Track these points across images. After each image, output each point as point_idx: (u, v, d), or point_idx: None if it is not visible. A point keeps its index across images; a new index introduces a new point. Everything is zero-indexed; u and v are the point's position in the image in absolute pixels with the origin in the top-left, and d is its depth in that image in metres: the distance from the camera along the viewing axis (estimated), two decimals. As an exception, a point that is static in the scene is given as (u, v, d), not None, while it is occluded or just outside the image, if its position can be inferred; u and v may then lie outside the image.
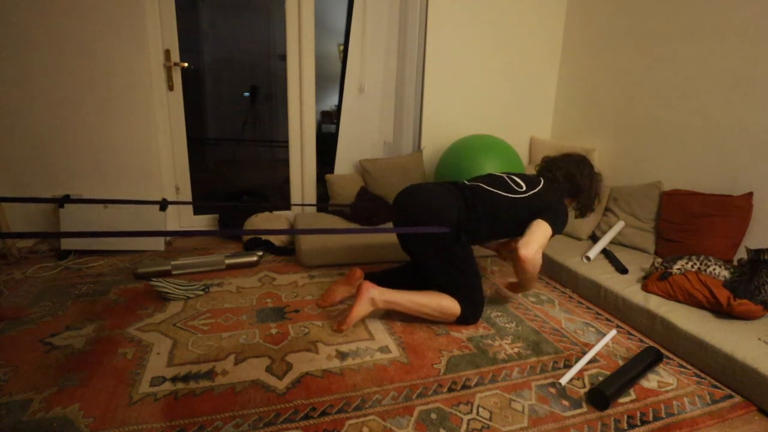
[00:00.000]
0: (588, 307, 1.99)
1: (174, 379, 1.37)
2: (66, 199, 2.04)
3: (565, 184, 1.86)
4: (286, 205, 2.87)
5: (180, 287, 1.93)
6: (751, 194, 2.01)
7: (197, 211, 2.93)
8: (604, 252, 2.26)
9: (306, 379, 1.40)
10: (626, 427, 1.25)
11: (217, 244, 2.68)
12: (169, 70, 2.63)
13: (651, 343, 1.68)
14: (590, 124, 2.96)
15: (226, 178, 3.63)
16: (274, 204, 3.09)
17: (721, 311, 1.63)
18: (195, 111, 3.02)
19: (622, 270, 2.04)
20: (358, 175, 3.02)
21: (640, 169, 2.61)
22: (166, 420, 1.20)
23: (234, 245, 2.67)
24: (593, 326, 1.81)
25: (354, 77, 2.93)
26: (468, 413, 1.28)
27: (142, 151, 2.57)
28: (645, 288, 1.85)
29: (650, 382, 1.45)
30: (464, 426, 1.23)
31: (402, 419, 1.24)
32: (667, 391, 1.41)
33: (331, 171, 3.06)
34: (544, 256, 2.33)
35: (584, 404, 1.33)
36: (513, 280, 2.17)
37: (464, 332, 1.72)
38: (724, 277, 1.73)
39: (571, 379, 1.45)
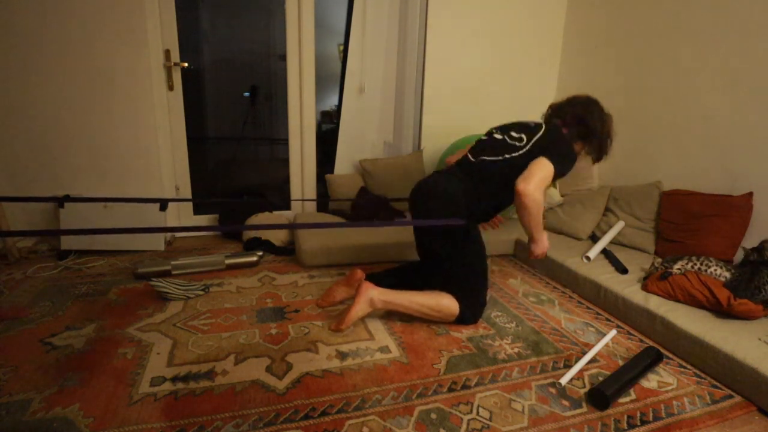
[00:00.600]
0: (588, 307, 1.99)
1: (174, 379, 1.37)
2: (66, 198, 2.04)
3: (574, 128, 1.77)
4: (286, 202, 2.86)
5: (180, 287, 1.93)
6: (751, 194, 2.01)
7: (197, 211, 2.93)
8: (604, 252, 2.26)
9: (306, 379, 1.40)
10: (626, 427, 1.25)
11: (217, 244, 2.68)
12: (169, 70, 2.63)
13: (651, 343, 1.68)
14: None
15: (226, 178, 3.63)
16: (274, 202, 3.08)
17: (721, 311, 1.63)
18: (195, 111, 3.02)
19: (622, 270, 2.04)
20: (358, 175, 3.02)
21: (640, 169, 2.61)
22: (166, 420, 1.19)
23: (234, 245, 2.67)
24: (593, 326, 1.81)
25: (354, 77, 2.93)
26: (468, 413, 1.27)
27: (142, 150, 2.57)
28: (645, 288, 1.84)
29: (650, 382, 1.45)
30: (464, 426, 1.23)
31: (402, 419, 1.24)
32: (667, 391, 1.41)
33: (331, 171, 3.06)
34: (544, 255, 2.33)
35: (584, 404, 1.33)
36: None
37: (464, 332, 1.72)
38: (725, 278, 1.73)
39: (571, 379, 1.45)
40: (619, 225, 2.42)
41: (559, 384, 1.41)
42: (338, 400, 1.30)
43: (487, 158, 1.74)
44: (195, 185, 2.89)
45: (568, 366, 1.52)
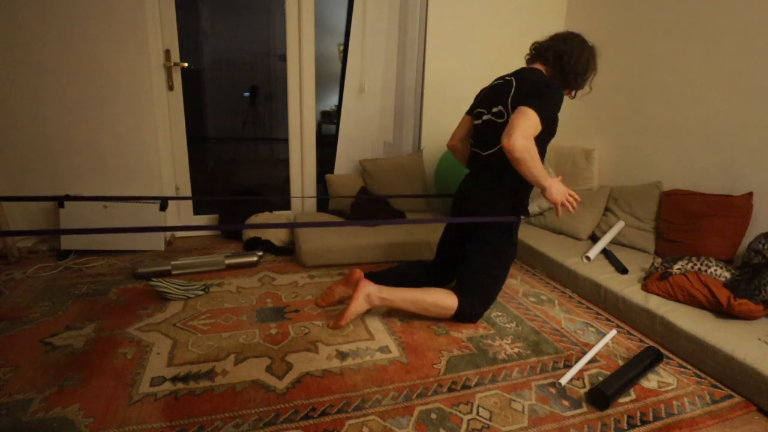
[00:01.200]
0: (588, 307, 1.99)
1: (174, 379, 1.37)
2: (66, 198, 2.03)
3: (555, 65, 1.72)
4: (285, 201, 2.86)
5: (180, 287, 1.93)
6: (751, 194, 2.01)
7: (197, 211, 2.93)
8: (604, 252, 2.26)
9: (306, 379, 1.40)
10: (626, 427, 1.25)
11: (217, 244, 2.68)
12: (169, 70, 2.63)
13: (651, 343, 1.68)
14: (590, 124, 2.95)
15: (226, 178, 3.64)
16: (274, 201, 3.08)
17: (721, 311, 1.63)
18: (195, 111, 3.02)
19: (622, 270, 2.04)
20: (358, 175, 3.02)
21: (640, 169, 2.61)
22: (166, 420, 1.19)
23: (234, 245, 2.67)
24: (593, 326, 1.81)
25: (354, 77, 2.93)
26: (468, 413, 1.27)
27: (142, 150, 2.57)
28: (645, 288, 1.84)
29: (650, 382, 1.45)
30: (464, 426, 1.23)
31: (402, 419, 1.24)
32: (667, 391, 1.41)
33: (331, 171, 3.06)
34: (544, 256, 2.33)
35: (584, 404, 1.33)
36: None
37: (464, 332, 1.72)
38: (725, 278, 1.73)
39: (571, 379, 1.45)
40: (619, 225, 2.42)
41: (559, 384, 1.41)
42: (338, 400, 1.30)
43: (491, 151, 1.75)
44: (195, 185, 2.89)
45: (568, 366, 1.52)
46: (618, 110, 2.76)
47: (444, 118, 3.09)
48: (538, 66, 1.77)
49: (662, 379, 1.47)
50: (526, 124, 1.51)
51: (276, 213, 2.93)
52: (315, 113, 2.99)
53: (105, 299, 1.89)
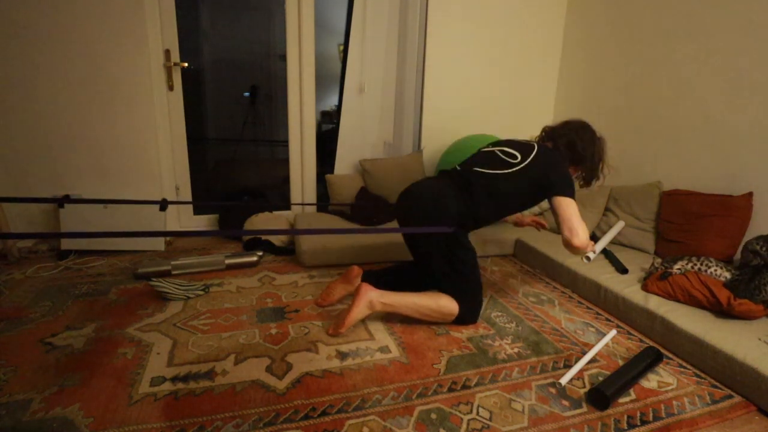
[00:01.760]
0: (588, 307, 1.99)
1: (174, 379, 1.37)
2: (66, 199, 2.04)
3: (567, 153, 1.80)
4: (286, 204, 2.86)
5: (180, 287, 1.93)
6: (751, 194, 2.01)
7: (197, 212, 2.94)
8: (604, 252, 2.26)
9: (306, 379, 1.40)
10: (626, 427, 1.25)
11: (217, 244, 2.68)
12: (169, 70, 2.63)
13: (651, 343, 1.68)
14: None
15: (226, 178, 3.63)
16: (274, 204, 3.08)
17: (721, 311, 1.63)
18: (195, 111, 3.02)
19: (622, 270, 2.04)
20: (358, 175, 3.02)
21: (640, 169, 2.61)
22: (166, 420, 1.20)
23: (234, 245, 2.67)
24: (593, 326, 1.81)
25: (354, 77, 2.93)
26: (468, 413, 1.27)
27: (142, 151, 2.57)
28: (645, 288, 1.84)
29: (650, 382, 1.45)
30: (464, 426, 1.23)
31: (402, 419, 1.24)
32: (667, 391, 1.41)
33: (331, 171, 3.06)
34: (544, 256, 2.33)
35: (584, 404, 1.33)
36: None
37: (464, 332, 1.72)
38: (725, 278, 1.73)
39: (571, 379, 1.45)
40: (619, 225, 2.42)
41: (559, 384, 1.41)
42: (338, 400, 1.30)
43: (477, 169, 1.75)
44: (195, 185, 2.89)
45: (568, 366, 1.52)
46: (618, 110, 2.76)
47: (444, 118, 3.09)
48: (551, 146, 1.83)
49: (662, 379, 1.47)
50: (577, 215, 1.59)
51: (276, 213, 2.93)
52: (315, 113, 2.99)
53: (105, 299, 1.89)
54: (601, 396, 1.31)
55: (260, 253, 2.39)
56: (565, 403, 1.34)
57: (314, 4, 2.78)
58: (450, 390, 1.37)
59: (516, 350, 1.61)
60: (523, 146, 1.78)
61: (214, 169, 3.57)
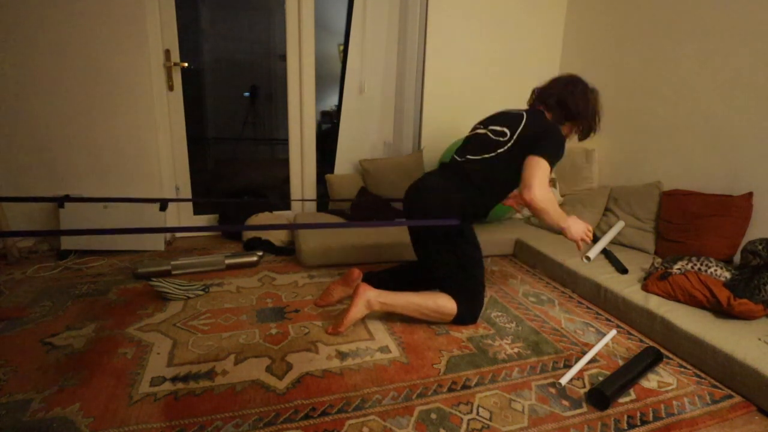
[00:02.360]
0: (588, 307, 1.99)
1: (174, 379, 1.37)
2: (65, 198, 2.04)
3: (558, 111, 1.75)
4: (286, 202, 2.86)
5: (180, 287, 1.93)
6: (751, 194, 2.01)
7: (197, 211, 2.94)
8: (604, 252, 2.26)
9: (306, 379, 1.40)
10: (626, 427, 1.25)
11: (217, 244, 2.68)
12: (169, 70, 2.63)
13: (651, 343, 1.68)
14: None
15: (226, 178, 3.63)
16: (274, 203, 3.08)
17: (721, 311, 1.63)
18: (195, 111, 3.01)
19: (622, 270, 2.04)
20: (358, 175, 3.02)
21: (640, 169, 2.61)
22: (166, 420, 1.19)
23: (234, 245, 2.67)
24: (593, 326, 1.81)
25: (354, 77, 2.93)
26: (468, 413, 1.27)
27: (142, 150, 2.57)
28: (645, 288, 1.84)
29: (650, 382, 1.45)
30: (464, 426, 1.23)
31: (402, 419, 1.24)
32: (667, 391, 1.41)
33: (331, 171, 3.06)
34: (544, 256, 2.33)
35: (584, 404, 1.33)
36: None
37: (464, 332, 1.72)
38: (725, 278, 1.73)
39: (571, 379, 1.45)
40: (619, 225, 2.42)
41: (559, 384, 1.41)
42: (338, 400, 1.30)
43: (471, 157, 1.75)
44: (195, 185, 2.90)
45: (568, 366, 1.52)
46: (618, 110, 2.76)
47: (444, 118, 3.09)
48: (541, 109, 1.80)
49: (662, 379, 1.47)
50: (542, 175, 1.55)
51: (276, 213, 2.93)
52: (315, 113, 2.99)
53: (105, 299, 1.89)
54: (601, 396, 1.31)
55: (260, 253, 2.39)
56: (565, 403, 1.34)
57: (314, 4, 2.78)
58: (450, 390, 1.37)
59: (516, 350, 1.61)
60: (512, 118, 1.74)
61: (214, 169, 3.57)
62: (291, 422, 1.21)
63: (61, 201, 2.34)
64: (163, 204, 2.53)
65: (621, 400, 1.36)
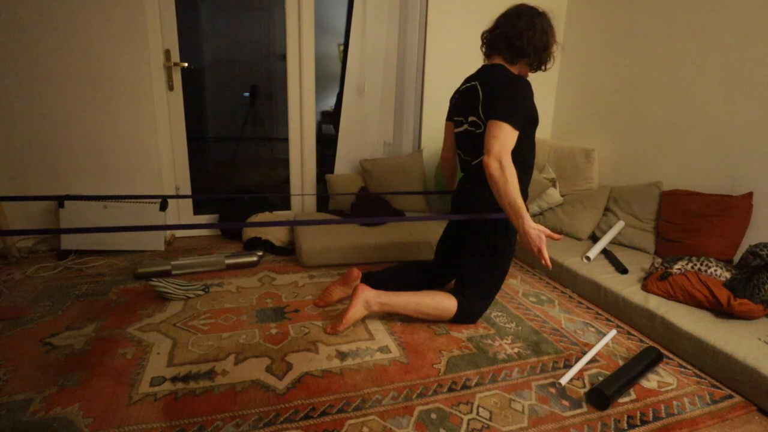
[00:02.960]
0: (588, 307, 1.99)
1: (174, 379, 1.37)
2: (65, 197, 2.04)
3: (508, 53, 1.62)
4: (286, 199, 2.86)
5: (180, 287, 1.93)
6: (751, 194, 2.01)
7: (197, 211, 2.94)
8: (604, 252, 2.26)
9: (306, 379, 1.40)
10: (626, 427, 1.25)
11: (217, 245, 2.68)
12: (169, 70, 2.63)
13: (651, 343, 1.68)
14: (590, 124, 2.96)
15: (226, 178, 3.63)
16: (273, 196, 3.08)
17: (721, 311, 1.63)
18: (195, 111, 3.01)
19: (622, 270, 2.04)
20: (358, 175, 3.02)
21: (640, 169, 2.61)
22: (166, 420, 1.19)
23: (234, 245, 2.67)
24: (593, 326, 1.81)
25: (354, 77, 2.93)
26: (468, 413, 1.27)
27: (143, 150, 2.57)
28: (645, 288, 1.84)
29: (650, 382, 1.45)
30: (464, 426, 1.23)
31: (402, 419, 1.24)
32: (667, 391, 1.41)
33: (331, 171, 3.06)
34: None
35: (584, 404, 1.33)
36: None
37: (464, 332, 1.72)
38: (725, 278, 1.73)
39: (571, 379, 1.45)
40: (619, 225, 2.42)
41: (559, 384, 1.41)
42: (338, 400, 1.30)
43: (466, 158, 1.78)
44: (195, 185, 2.90)
45: (568, 366, 1.52)
46: (618, 110, 2.76)
47: (444, 118, 3.08)
48: (496, 60, 1.70)
49: (662, 379, 1.47)
50: (501, 141, 1.44)
51: (276, 213, 2.93)
52: (315, 113, 2.99)
53: (105, 299, 1.89)
54: (601, 396, 1.31)
55: (260, 253, 2.39)
56: (565, 403, 1.34)
57: (314, 4, 2.78)
58: (450, 390, 1.37)
59: (516, 350, 1.61)
60: (470, 97, 1.65)
61: (214, 169, 3.57)
62: (291, 422, 1.21)
63: (60, 200, 2.34)
64: (163, 203, 2.53)
65: (621, 400, 1.36)
